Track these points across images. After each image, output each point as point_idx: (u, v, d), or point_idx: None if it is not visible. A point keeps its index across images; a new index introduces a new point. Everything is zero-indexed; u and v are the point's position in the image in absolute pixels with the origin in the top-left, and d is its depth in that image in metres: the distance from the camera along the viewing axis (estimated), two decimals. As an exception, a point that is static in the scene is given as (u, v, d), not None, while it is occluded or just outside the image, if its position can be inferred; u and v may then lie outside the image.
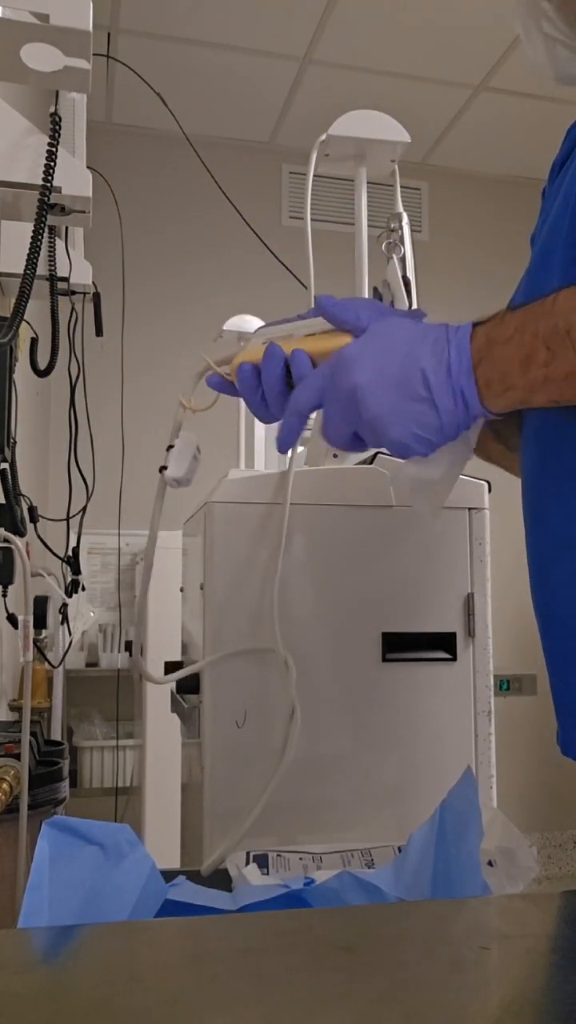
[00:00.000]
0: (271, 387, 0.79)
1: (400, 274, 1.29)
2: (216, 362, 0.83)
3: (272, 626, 1.04)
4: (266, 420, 0.82)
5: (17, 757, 1.18)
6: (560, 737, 0.84)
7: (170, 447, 0.88)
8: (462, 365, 0.71)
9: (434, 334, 0.73)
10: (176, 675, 1.11)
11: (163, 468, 0.87)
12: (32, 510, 1.61)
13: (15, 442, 1.49)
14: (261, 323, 2.27)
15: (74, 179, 1.21)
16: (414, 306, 1.36)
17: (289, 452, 1.07)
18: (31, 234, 1.04)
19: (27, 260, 1.04)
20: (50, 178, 1.05)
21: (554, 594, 0.83)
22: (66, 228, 1.67)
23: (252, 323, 2.19)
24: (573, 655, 0.81)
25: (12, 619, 1.55)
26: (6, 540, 1.32)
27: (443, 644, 1.11)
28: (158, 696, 2.46)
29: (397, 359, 0.73)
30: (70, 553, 2.09)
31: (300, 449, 1.19)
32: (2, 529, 1.32)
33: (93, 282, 1.82)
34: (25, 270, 1.04)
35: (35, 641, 1.64)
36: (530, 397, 0.70)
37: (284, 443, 0.81)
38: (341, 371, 0.74)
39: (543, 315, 0.69)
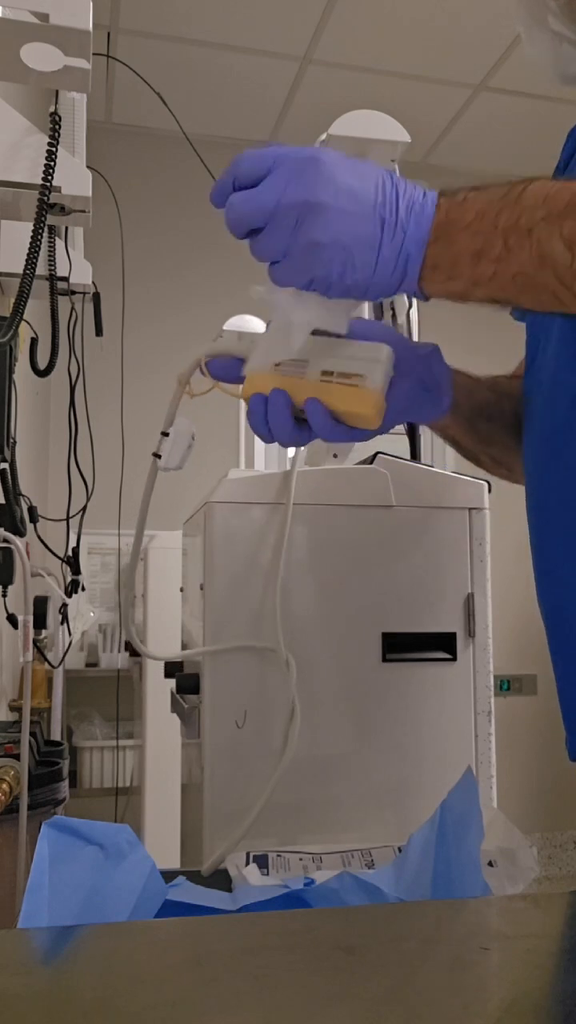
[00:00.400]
0: (280, 429, 0.76)
1: (400, 274, 1.28)
2: (214, 354, 0.81)
3: (273, 626, 1.04)
4: (268, 442, 0.81)
5: (17, 757, 1.18)
6: (568, 741, 0.84)
7: (165, 434, 0.85)
8: (418, 232, 0.66)
9: (399, 184, 0.68)
10: (175, 655, 1.11)
11: (156, 455, 0.86)
12: (32, 510, 1.61)
13: (15, 442, 1.49)
14: (261, 323, 2.27)
15: (74, 179, 1.21)
16: (413, 306, 1.36)
17: (291, 451, 1.06)
18: (31, 234, 1.04)
19: (27, 260, 1.04)
20: (50, 178, 1.05)
21: (561, 594, 0.83)
22: (66, 228, 1.67)
23: (252, 323, 2.19)
24: None
25: (12, 619, 1.55)
26: (6, 540, 1.32)
27: (443, 644, 1.11)
28: (158, 696, 2.47)
29: (363, 195, 0.66)
30: (70, 553, 2.09)
31: (300, 450, 1.19)
32: (2, 529, 1.32)
33: (93, 282, 1.81)
34: (25, 270, 1.04)
35: (35, 641, 1.64)
36: (471, 291, 0.67)
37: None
38: (302, 173, 0.66)
39: (507, 206, 0.65)
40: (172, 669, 1.24)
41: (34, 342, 1.60)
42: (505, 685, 3.33)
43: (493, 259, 0.65)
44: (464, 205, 0.67)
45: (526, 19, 0.85)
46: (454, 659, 1.10)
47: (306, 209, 0.66)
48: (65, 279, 1.62)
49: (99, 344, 1.98)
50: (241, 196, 0.67)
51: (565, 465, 0.81)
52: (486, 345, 2.15)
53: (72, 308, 1.91)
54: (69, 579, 2.13)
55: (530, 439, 0.89)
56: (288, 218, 0.66)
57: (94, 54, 1.00)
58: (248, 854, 0.93)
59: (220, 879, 0.90)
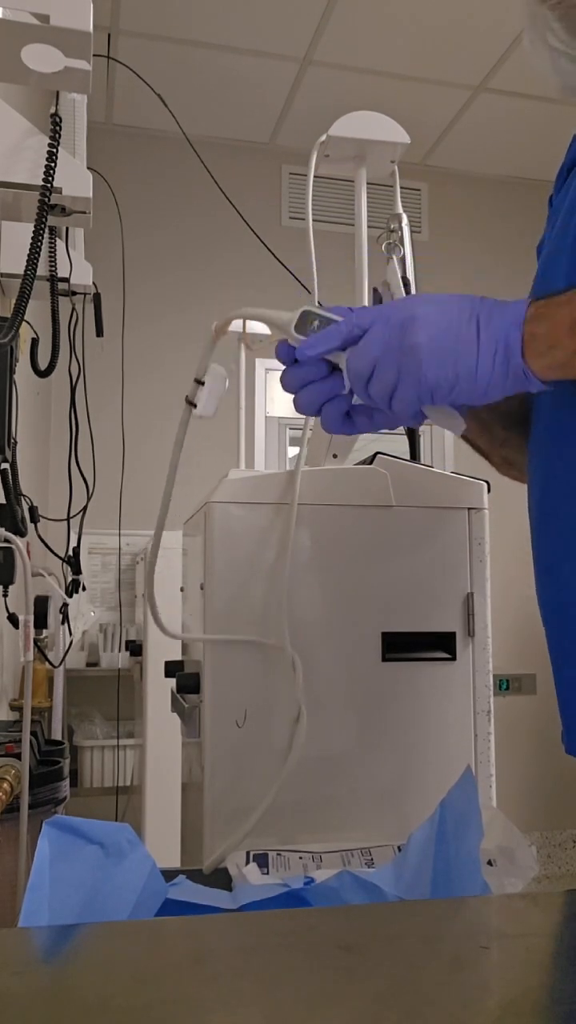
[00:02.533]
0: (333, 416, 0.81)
1: (400, 275, 1.29)
2: (253, 316, 0.82)
3: (275, 626, 1.04)
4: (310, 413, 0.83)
5: (18, 757, 1.19)
6: (564, 736, 0.84)
7: (199, 382, 0.84)
8: (513, 317, 0.72)
9: (494, 299, 0.75)
10: (183, 636, 1.10)
11: (190, 401, 0.85)
12: (33, 510, 1.61)
13: (16, 442, 1.49)
14: (264, 327, 2.28)
15: (74, 180, 1.21)
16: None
17: (291, 451, 1.07)
18: (31, 235, 1.04)
19: (27, 261, 1.04)
20: (50, 179, 1.05)
21: (560, 590, 0.83)
22: (66, 228, 1.68)
23: (252, 323, 2.19)
24: None
25: (13, 619, 1.55)
26: (7, 540, 1.32)
27: (443, 644, 1.11)
28: (158, 696, 2.47)
29: (456, 304, 0.74)
30: (71, 553, 2.09)
31: (303, 450, 1.19)
32: (3, 529, 1.32)
33: (93, 282, 1.82)
34: (26, 271, 1.04)
35: (36, 641, 1.64)
36: (573, 360, 0.70)
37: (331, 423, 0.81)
38: (401, 306, 0.75)
39: None
40: (173, 668, 1.24)
41: (35, 343, 1.60)
42: (504, 684, 3.33)
43: None
44: (563, 294, 0.72)
45: (530, 33, 0.86)
46: (454, 659, 1.10)
47: (407, 320, 0.73)
48: (66, 280, 1.62)
49: (99, 344, 1.98)
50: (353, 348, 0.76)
51: (567, 463, 0.82)
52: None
53: (73, 308, 1.92)
54: (70, 579, 2.14)
55: (534, 437, 0.89)
56: (392, 331, 0.74)
57: (94, 55, 1.00)
58: (248, 853, 0.93)
59: (220, 878, 0.90)
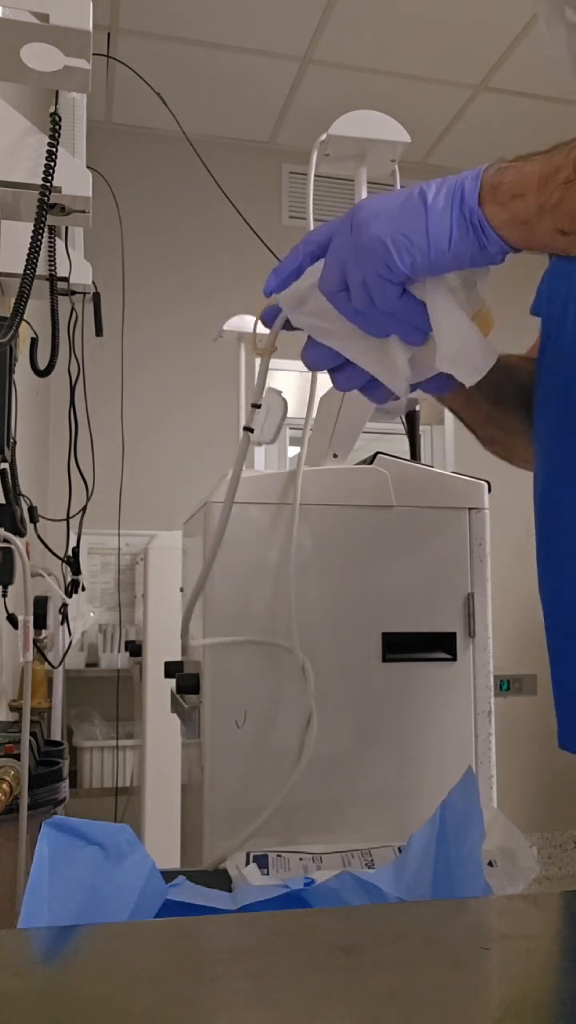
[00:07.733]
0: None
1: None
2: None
3: (287, 629, 1.04)
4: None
5: (17, 757, 1.18)
6: (559, 730, 0.85)
7: (255, 406, 0.83)
8: (470, 174, 0.66)
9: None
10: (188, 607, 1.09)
11: (248, 428, 0.83)
12: (32, 510, 1.61)
13: (15, 442, 1.49)
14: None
15: (74, 179, 1.21)
16: None
17: (291, 451, 1.06)
18: (31, 234, 1.04)
19: (27, 260, 1.03)
20: (50, 178, 1.05)
21: (564, 579, 0.83)
22: (66, 228, 1.67)
23: (252, 323, 2.19)
24: None
25: (12, 619, 1.55)
26: (6, 540, 1.32)
27: (443, 644, 1.10)
28: (158, 696, 2.47)
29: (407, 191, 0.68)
30: (70, 553, 2.09)
31: (298, 450, 1.19)
32: (2, 529, 1.32)
33: (93, 282, 1.81)
34: (25, 270, 1.04)
35: (35, 641, 1.64)
36: (537, 219, 0.64)
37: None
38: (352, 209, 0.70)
39: None
40: (172, 669, 1.24)
41: (34, 342, 1.59)
42: (505, 685, 3.33)
43: (561, 182, 0.62)
44: (533, 154, 0.66)
45: (547, 12, 0.85)
46: (454, 659, 1.10)
47: (355, 210, 0.68)
48: (65, 279, 1.62)
49: (99, 344, 1.98)
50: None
51: (571, 453, 0.82)
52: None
53: (72, 308, 1.91)
54: (69, 579, 2.14)
55: (542, 422, 0.89)
56: (344, 224, 0.69)
57: (94, 54, 1.00)
58: (248, 854, 0.93)
59: (220, 879, 0.90)
